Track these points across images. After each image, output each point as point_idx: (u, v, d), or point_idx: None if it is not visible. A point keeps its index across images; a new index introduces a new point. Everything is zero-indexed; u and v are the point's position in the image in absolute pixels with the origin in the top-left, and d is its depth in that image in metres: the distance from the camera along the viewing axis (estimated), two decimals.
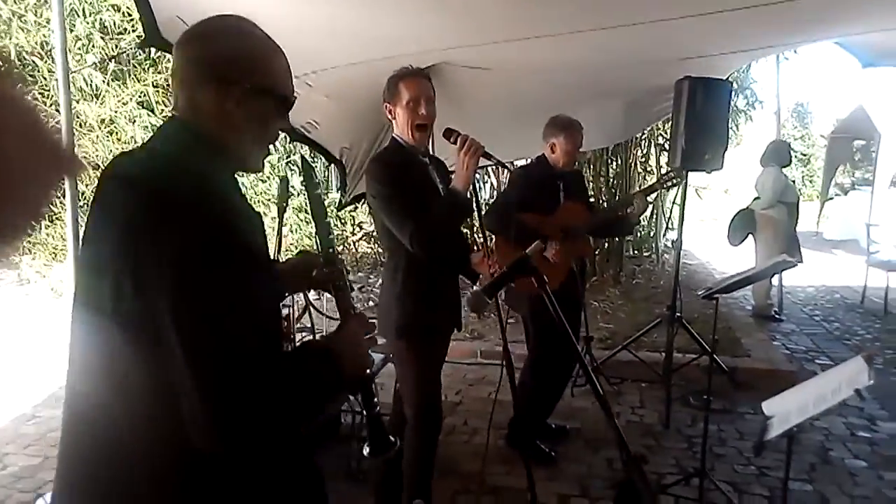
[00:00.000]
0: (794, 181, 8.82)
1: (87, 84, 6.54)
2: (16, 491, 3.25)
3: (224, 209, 1.11)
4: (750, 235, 6.59)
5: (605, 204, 3.47)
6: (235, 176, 1.28)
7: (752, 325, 6.38)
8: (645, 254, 9.56)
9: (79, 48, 6.66)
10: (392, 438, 1.48)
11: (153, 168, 1.17)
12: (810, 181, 28.75)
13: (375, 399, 1.44)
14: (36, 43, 6.35)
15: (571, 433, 3.96)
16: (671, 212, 9.22)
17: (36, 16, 6.37)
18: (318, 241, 1.46)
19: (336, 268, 1.43)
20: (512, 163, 3.22)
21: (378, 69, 2.75)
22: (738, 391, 4.57)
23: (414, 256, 2.51)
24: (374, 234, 8.49)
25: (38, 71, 6.44)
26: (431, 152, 2.84)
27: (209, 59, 1.19)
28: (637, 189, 6.88)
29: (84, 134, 6.45)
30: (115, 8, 6.70)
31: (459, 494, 3.23)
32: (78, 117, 6.40)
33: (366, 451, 1.47)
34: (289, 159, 8.61)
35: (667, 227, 9.46)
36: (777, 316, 6.79)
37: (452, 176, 2.57)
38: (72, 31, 6.45)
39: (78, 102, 6.43)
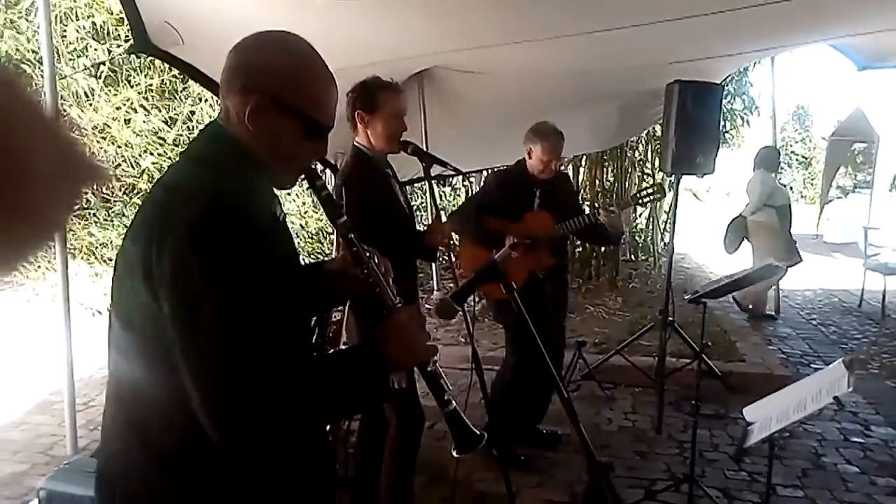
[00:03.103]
0: (788, 185, 8.81)
1: (81, 89, 6.53)
2: (2, 498, 3.24)
3: (237, 210, 1.11)
4: (745, 241, 6.58)
5: (592, 210, 3.42)
6: (264, 181, 1.27)
7: (748, 328, 6.35)
8: (642, 258, 9.53)
9: (70, 52, 6.65)
10: (478, 432, 1.43)
11: (178, 169, 1.23)
12: (811, 184, 28.74)
13: (447, 396, 1.37)
14: (27, 49, 6.34)
15: (563, 439, 3.93)
16: (668, 215, 9.19)
17: (28, 22, 6.36)
18: (343, 240, 1.41)
19: (366, 265, 1.37)
20: (490, 169, 3.18)
21: (359, 75, 2.75)
22: (731, 396, 4.54)
23: None
24: None
25: (31, 78, 6.43)
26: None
27: (240, 66, 1.22)
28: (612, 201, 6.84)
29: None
30: (109, 11, 6.69)
31: (445, 501, 3.20)
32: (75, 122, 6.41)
33: (453, 451, 1.43)
34: None
35: (664, 231, 9.43)
36: (773, 315, 6.78)
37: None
38: (64, 37, 6.45)
39: (71, 107, 6.43)
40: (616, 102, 5.59)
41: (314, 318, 1.46)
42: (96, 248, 6.75)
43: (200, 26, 3.80)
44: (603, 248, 8.28)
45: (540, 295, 3.45)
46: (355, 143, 2.68)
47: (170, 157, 7.05)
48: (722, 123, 9.34)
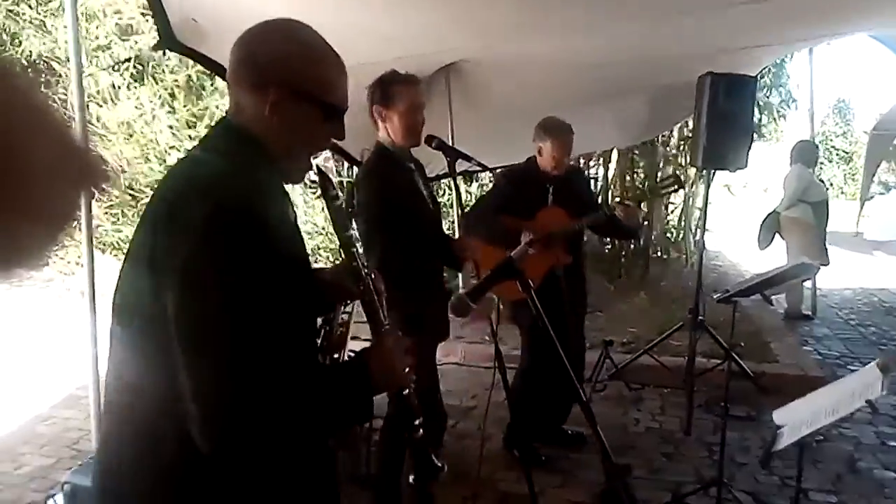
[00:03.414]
0: (828, 181, 8.53)
1: (107, 87, 6.62)
2: (29, 490, 3.29)
3: (250, 208, 1.08)
4: (778, 237, 6.40)
5: (609, 204, 3.30)
6: (276, 177, 1.25)
7: (783, 328, 6.18)
8: (674, 255, 9.35)
9: (95, 50, 6.74)
10: (438, 464, 1.42)
11: (189, 163, 1.21)
12: (853, 179, 28.01)
13: (418, 421, 1.36)
14: (52, 48, 6.46)
15: (588, 440, 3.85)
16: (702, 212, 9.01)
17: (55, 20, 6.47)
18: (345, 253, 1.38)
19: (363, 282, 1.35)
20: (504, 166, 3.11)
21: (388, 69, 2.72)
22: (763, 397, 4.41)
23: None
24: None
25: (60, 77, 6.56)
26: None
27: (249, 59, 1.20)
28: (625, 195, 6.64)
29: (102, 137, 6.54)
30: (136, 7, 6.78)
31: (467, 500, 3.16)
32: (98, 120, 6.51)
33: (411, 478, 1.44)
34: None
35: (696, 228, 9.24)
36: (810, 316, 6.59)
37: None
38: (87, 35, 6.54)
39: (99, 106, 6.52)
40: (645, 96, 5.47)
41: (320, 319, 1.42)
42: (125, 243, 6.85)
43: (225, 22, 3.80)
44: (632, 245, 8.15)
45: (557, 293, 3.37)
46: (378, 139, 2.66)
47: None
48: (758, 117, 9.15)
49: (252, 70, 1.18)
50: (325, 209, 1.45)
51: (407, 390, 1.32)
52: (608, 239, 7.76)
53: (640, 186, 8.28)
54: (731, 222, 12.16)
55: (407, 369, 1.28)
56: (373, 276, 1.38)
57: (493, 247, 3.39)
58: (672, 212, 9.71)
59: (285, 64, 1.18)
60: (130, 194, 6.95)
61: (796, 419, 1.89)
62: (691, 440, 3.89)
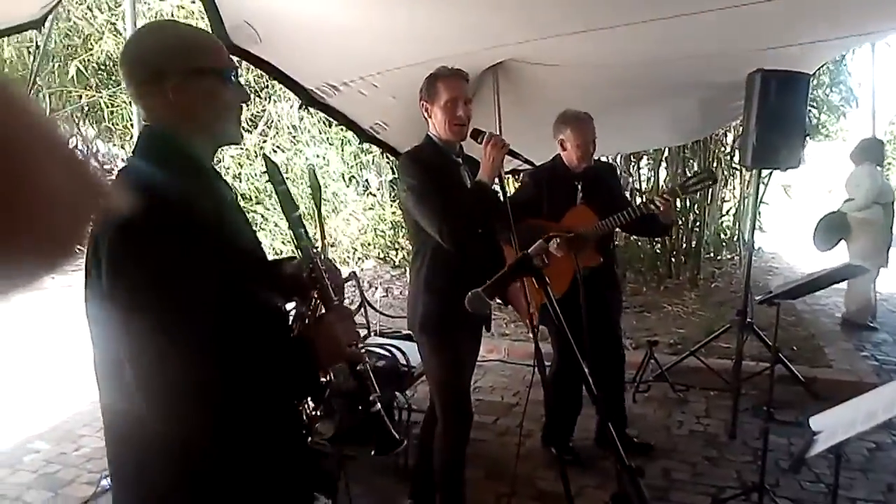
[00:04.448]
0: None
1: None
2: (85, 471, 3.47)
3: (176, 207, 1.14)
4: (842, 240, 6.15)
5: (643, 201, 3.18)
6: (204, 173, 1.31)
7: (839, 333, 5.99)
8: (727, 256, 9.13)
9: None
10: (398, 436, 1.47)
11: (119, 177, 1.26)
12: None
13: (374, 396, 1.43)
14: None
15: (656, 447, 3.75)
16: (752, 211, 8.78)
17: (126, 23, 6.76)
18: (293, 237, 1.46)
19: (313, 262, 1.42)
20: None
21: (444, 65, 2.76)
22: (814, 403, 4.29)
23: (438, 253, 2.53)
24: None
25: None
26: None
27: (139, 63, 1.27)
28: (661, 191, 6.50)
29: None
30: (201, 15, 7.01)
31: (503, 497, 3.19)
32: None
33: (372, 451, 1.48)
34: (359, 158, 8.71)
35: (751, 228, 9.00)
36: (871, 325, 6.33)
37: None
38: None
39: None
40: (698, 94, 5.35)
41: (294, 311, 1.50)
42: None
43: (278, 25, 3.92)
44: (683, 245, 8.01)
45: (587, 294, 3.33)
46: (427, 134, 2.68)
47: (249, 158, 7.27)
48: (817, 115, 8.85)
49: (144, 69, 1.25)
50: (274, 193, 1.52)
51: (361, 365, 1.40)
52: (657, 239, 7.63)
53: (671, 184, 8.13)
54: (792, 223, 11.76)
55: (352, 345, 1.36)
56: (322, 257, 1.45)
57: (515, 249, 3.34)
58: (728, 212, 9.48)
59: (168, 51, 1.26)
60: None
61: (834, 425, 1.86)
62: (736, 444, 3.82)
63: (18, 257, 0.43)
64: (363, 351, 1.45)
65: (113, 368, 1.16)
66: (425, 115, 2.64)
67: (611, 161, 6.78)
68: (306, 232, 1.45)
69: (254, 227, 1.47)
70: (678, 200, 3.44)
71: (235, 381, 1.15)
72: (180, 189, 1.18)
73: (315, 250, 1.44)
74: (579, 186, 3.36)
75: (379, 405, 1.44)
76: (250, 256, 1.34)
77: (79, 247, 0.46)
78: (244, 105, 1.37)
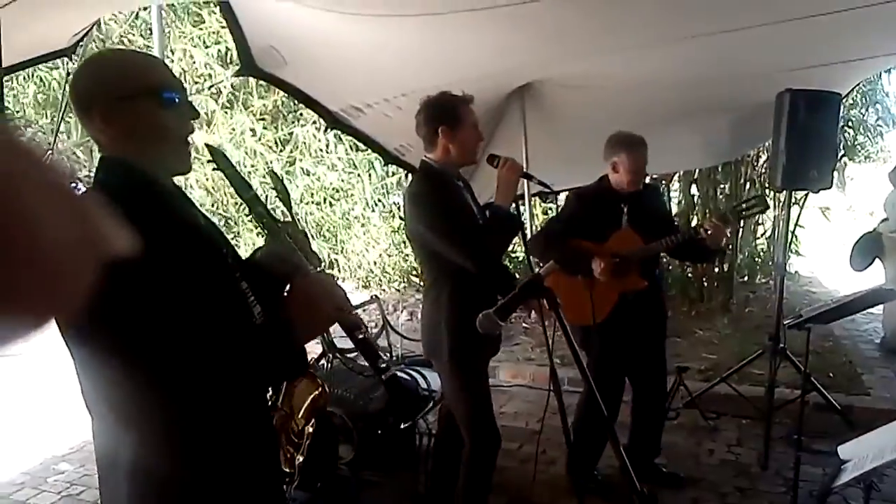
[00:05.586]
0: None
1: (203, 113, 7.06)
2: None
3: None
4: (877, 260, 5.99)
5: (695, 225, 3.10)
6: (174, 189, 1.32)
7: (878, 360, 5.77)
8: (761, 280, 8.92)
9: (198, 77, 7.19)
10: (383, 365, 1.43)
11: None
12: None
13: (381, 363, 1.39)
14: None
15: (686, 481, 3.64)
16: (788, 234, 8.58)
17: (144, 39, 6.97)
18: (253, 217, 1.44)
19: (282, 233, 1.40)
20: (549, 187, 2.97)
21: (466, 90, 2.75)
22: (851, 432, 4.12)
23: (461, 280, 2.51)
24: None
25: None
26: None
27: (73, 95, 1.28)
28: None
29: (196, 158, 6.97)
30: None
31: None
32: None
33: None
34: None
35: (787, 251, 8.79)
36: None
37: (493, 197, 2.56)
38: (193, 60, 6.99)
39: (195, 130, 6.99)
40: (728, 115, 5.29)
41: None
42: None
43: (303, 49, 3.99)
44: (716, 269, 7.85)
45: (632, 319, 3.26)
46: (424, 159, 2.68)
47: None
48: (853, 136, 8.64)
49: (75, 100, 1.27)
50: (225, 179, 1.49)
51: (362, 334, 1.34)
52: (689, 263, 7.49)
53: (721, 208, 7.98)
54: (831, 247, 11.46)
55: (341, 307, 1.28)
56: (289, 230, 1.42)
57: (562, 272, 3.22)
58: (762, 235, 9.28)
59: (95, 79, 1.26)
60: (220, 216, 7.32)
61: (863, 453, 1.77)
62: (769, 474, 3.69)
63: (13, 314, 0.41)
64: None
65: (96, 398, 1.22)
66: (441, 138, 2.60)
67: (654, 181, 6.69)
68: (266, 209, 1.42)
69: (229, 239, 1.45)
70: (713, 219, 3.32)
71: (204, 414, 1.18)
72: (142, 216, 1.19)
73: (279, 224, 1.41)
74: (625, 209, 3.29)
75: (392, 370, 1.41)
76: (227, 276, 1.33)
77: (78, 299, 0.44)
78: (192, 127, 1.33)
